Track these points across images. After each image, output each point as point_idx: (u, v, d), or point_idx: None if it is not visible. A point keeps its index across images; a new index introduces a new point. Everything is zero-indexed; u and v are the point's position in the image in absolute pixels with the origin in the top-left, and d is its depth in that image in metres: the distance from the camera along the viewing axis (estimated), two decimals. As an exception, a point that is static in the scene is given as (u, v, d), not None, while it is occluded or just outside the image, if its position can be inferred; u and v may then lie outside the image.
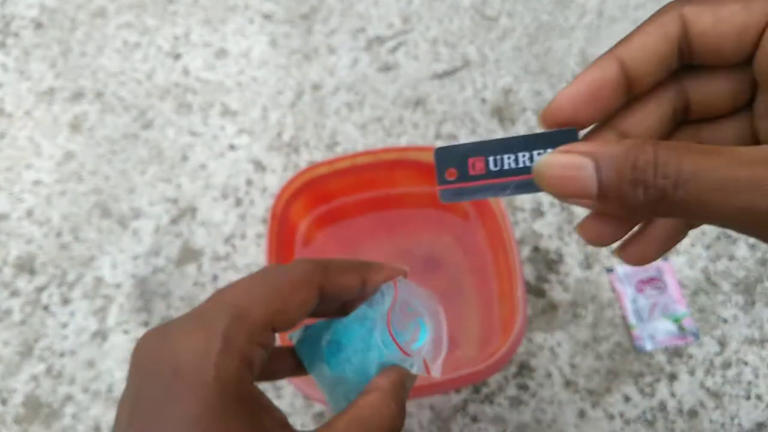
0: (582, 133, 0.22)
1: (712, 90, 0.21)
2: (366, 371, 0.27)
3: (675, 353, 0.48)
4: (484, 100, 0.60)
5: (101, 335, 0.50)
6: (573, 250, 0.52)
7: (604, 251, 0.52)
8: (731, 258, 0.51)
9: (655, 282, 0.51)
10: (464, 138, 0.58)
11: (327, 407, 0.45)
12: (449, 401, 0.46)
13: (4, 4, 0.67)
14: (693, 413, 0.45)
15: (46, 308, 0.51)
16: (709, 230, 0.53)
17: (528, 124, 0.58)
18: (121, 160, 0.58)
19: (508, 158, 0.21)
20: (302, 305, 0.24)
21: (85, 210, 0.55)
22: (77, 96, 0.62)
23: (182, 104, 0.60)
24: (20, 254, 0.54)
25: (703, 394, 0.46)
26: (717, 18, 0.19)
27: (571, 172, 0.19)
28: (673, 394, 0.46)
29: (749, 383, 0.46)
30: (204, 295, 0.51)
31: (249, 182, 0.56)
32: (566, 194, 0.20)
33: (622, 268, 0.51)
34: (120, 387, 0.48)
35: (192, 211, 0.55)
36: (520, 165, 0.21)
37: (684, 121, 0.22)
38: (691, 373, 0.47)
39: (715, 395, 0.46)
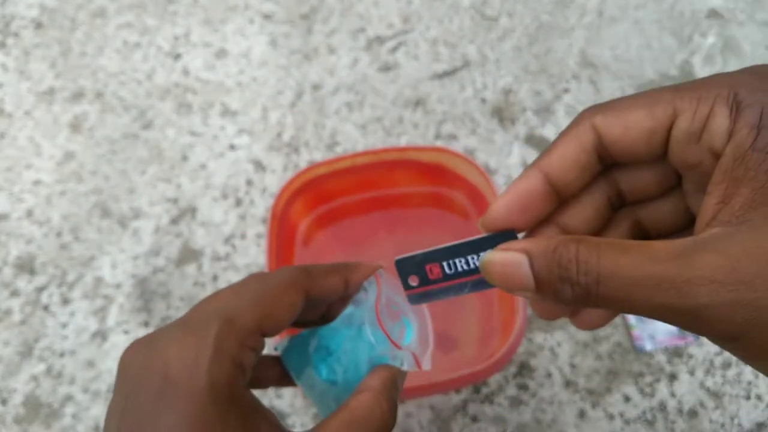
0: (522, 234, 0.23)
1: (639, 180, 0.22)
2: (356, 372, 0.27)
3: (675, 353, 0.48)
4: (484, 100, 0.60)
5: (101, 335, 0.50)
6: (573, 250, 0.52)
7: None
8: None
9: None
10: (464, 138, 0.58)
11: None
12: (449, 401, 0.46)
13: (4, 4, 0.67)
14: (693, 413, 0.45)
15: (46, 308, 0.51)
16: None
17: (528, 124, 0.58)
18: (121, 160, 0.58)
19: (460, 262, 0.23)
20: (289, 308, 0.25)
21: (85, 210, 0.55)
22: (77, 96, 0.62)
23: (182, 104, 0.60)
24: (20, 254, 0.54)
25: (703, 394, 0.46)
26: (625, 126, 0.20)
27: (510, 268, 0.20)
28: (673, 394, 0.46)
29: (749, 383, 0.46)
30: (204, 295, 0.51)
31: (249, 182, 0.56)
32: (510, 288, 0.21)
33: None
34: (120, 387, 0.48)
35: (192, 211, 0.55)
36: (472, 266, 0.23)
37: (623, 204, 0.23)
38: (691, 373, 0.47)
39: (715, 395, 0.46)
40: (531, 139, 0.57)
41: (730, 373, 0.47)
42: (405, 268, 0.24)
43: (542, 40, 0.63)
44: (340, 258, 0.51)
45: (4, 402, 0.48)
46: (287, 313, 0.25)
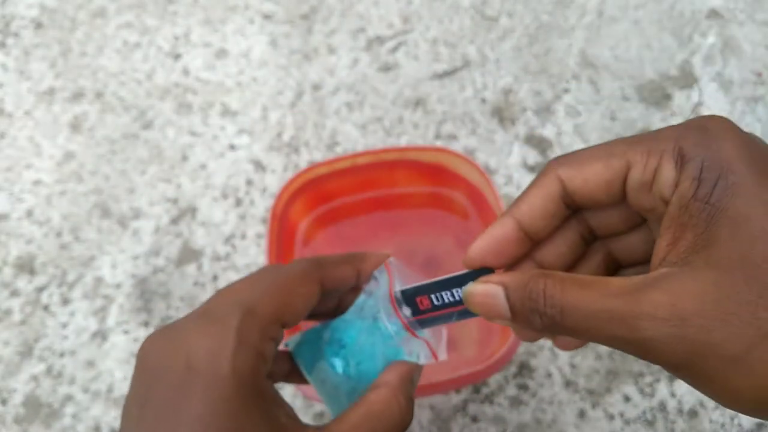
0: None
1: (607, 219, 0.25)
2: (371, 365, 0.27)
3: (675, 353, 0.48)
4: (484, 100, 0.60)
5: (101, 335, 0.50)
6: (573, 250, 0.52)
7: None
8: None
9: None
10: (464, 138, 0.58)
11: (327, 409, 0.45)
12: (449, 401, 0.46)
13: (4, 4, 0.67)
14: (693, 413, 0.45)
15: (46, 308, 0.51)
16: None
17: (528, 124, 0.58)
18: (121, 160, 0.58)
19: (446, 294, 0.26)
20: (306, 299, 0.25)
21: (85, 210, 0.55)
22: (77, 96, 0.62)
23: (182, 104, 0.61)
24: (20, 254, 0.54)
25: (704, 394, 0.46)
26: (585, 177, 0.23)
27: (489, 299, 0.23)
28: (673, 394, 0.46)
29: (749, 383, 0.46)
30: (204, 294, 0.51)
31: (249, 182, 0.56)
32: (490, 316, 0.23)
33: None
34: (120, 387, 0.48)
35: (192, 211, 0.55)
36: (457, 298, 0.25)
37: (596, 238, 0.26)
38: (691, 373, 0.47)
39: (715, 395, 0.46)
40: (531, 139, 0.58)
41: (730, 373, 0.47)
42: (399, 300, 0.27)
43: (542, 40, 0.63)
44: (340, 258, 0.51)
45: (4, 402, 0.48)
46: (304, 304, 0.25)
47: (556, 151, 0.57)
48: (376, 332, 0.27)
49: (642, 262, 0.26)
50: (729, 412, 0.45)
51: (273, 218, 0.47)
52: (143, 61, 0.63)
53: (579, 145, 0.57)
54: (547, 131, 0.58)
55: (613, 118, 0.59)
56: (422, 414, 0.46)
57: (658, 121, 0.58)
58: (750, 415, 0.21)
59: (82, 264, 0.53)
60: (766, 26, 0.63)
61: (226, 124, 0.59)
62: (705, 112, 0.59)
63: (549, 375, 0.47)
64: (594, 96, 0.60)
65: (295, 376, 0.30)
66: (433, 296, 0.26)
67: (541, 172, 0.24)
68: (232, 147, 0.58)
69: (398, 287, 0.27)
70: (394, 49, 0.63)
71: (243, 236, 0.54)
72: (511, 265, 0.25)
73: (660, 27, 0.64)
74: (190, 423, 0.21)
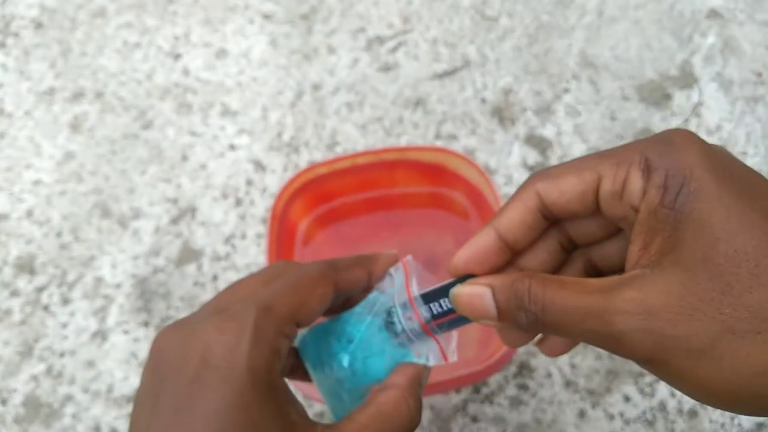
0: None
1: (585, 228, 0.26)
2: (378, 362, 0.28)
3: (675, 353, 0.48)
4: (484, 100, 0.60)
5: (101, 335, 0.50)
6: (573, 250, 0.52)
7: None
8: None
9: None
10: (464, 138, 0.58)
11: (326, 407, 0.45)
12: (449, 401, 0.46)
13: (4, 4, 0.67)
14: (693, 413, 0.45)
15: (46, 308, 0.51)
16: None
17: (528, 124, 0.58)
18: (121, 160, 0.58)
19: (434, 305, 0.27)
20: (321, 300, 0.26)
21: (85, 210, 0.55)
22: (77, 96, 0.62)
23: (182, 104, 0.61)
24: (20, 254, 0.54)
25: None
26: (560, 191, 0.24)
27: (476, 299, 0.24)
28: (673, 394, 0.46)
29: (749, 383, 0.46)
30: (204, 294, 0.51)
31: (249, 182, 0.56)
32: (476, 316, 0.25)
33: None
34: (120, 387, 0.48)
35: (192, 211, 0.55)
36: (445, 308, 0.27)
37: (576, 246, 0.27)
38: (691, 373, 0.47)
39: (715, 395, 0.46)
40: (531, 139, 0.58)
41: (730, 373, 0.47)
42: (418, 300, 0.27)
43: (542, 40, 0.63)
44: (340, 258, 0.51)
45: (4, 402, 0.48)
46: (319, 305, 0.26)
47: (556, 151, 0.57)
48: (385, 330, 0.28)
49: (620, 269, 0.26)
50: (729, 412, 0.45)
51: (273, 218, 0.47)
52: (143, 61, 0.63)
53: (579, 145, 0.57)
54: (547, 131, 0.58)
55: (613, 118, 0.59)
56: (422, 414, 0.46)
57: (658, 121, 0.58)
58: (721, 408, 0.21)
59: (82, 264, 0.53)
60: (766, 26, 0.63)
61: (226, 124, 0.59)
62: (705, 112, 0.59)
63: (549, 375, 0.47)
64: (594, 96, 0.60)
65: (298, 372, 0.30)
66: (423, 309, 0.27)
67: (521, 186, 0.25)
68: (232, 147, 0.58)
69: (416, 287, 0.27)
70: (394, 49, 0.63)
71: (243, 236, 0.54)
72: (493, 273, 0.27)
73: (660, 27, 0.64)
74: (205, 416, 0.22)
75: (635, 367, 0.47)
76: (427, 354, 0.27)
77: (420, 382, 0.27)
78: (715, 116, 0.58)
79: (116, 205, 0.55)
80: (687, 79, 0.61)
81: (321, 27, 0.64)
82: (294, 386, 0.45)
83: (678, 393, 0.46)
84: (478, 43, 0.63)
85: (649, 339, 0.21)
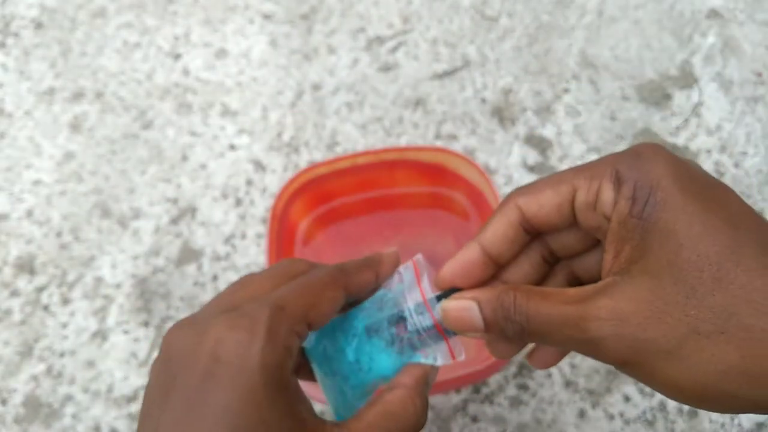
0: None
1: (566, 241, 0.27)
2: (384, 359, 0.28)
3: (675, 353, 0.48)
4: (484, 100, 0.60)
5: (101, 335, 0.50)
6: (573, 250, 0.52)
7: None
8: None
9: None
10: (464, 138, 0.58)
11: (326, 406, 0.45)
12: (449, 401, 0.46)
13: (4, 4, 0.67)
14: (693, 413, 0.45)
15: (46, 308, 0.51)
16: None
17: (528, 124, 0.58)
18: (121, 160, 0.58)
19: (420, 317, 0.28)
20: (333, 302, 0.26)
21: (85, 210, 0.55)
22: (77, 96, 0.62)
23: (182, 104, 0.61)
24: (20, 254, 0.54)
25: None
26: (539, 203, 0.25)
27: (464, 312, 0.25)
28: (673, 394, 0.46)
29: (749, 383, 0.46)
30: (204, 294, 0.51)
31: (249, 182, 0.56)
32: (463, 329, 0.26)
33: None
34: (120, 387, 0.48)
35: (192, 211, 0.55)
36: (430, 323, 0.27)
37: (558, 259, 0.28)
38: (691, 373, 0.47)
39: (715, 395, 0.46)
40: (531, 139, 0.58)
41: (730, 373, 0.47)
42: (432, 300, 0.28)
43: (542, 40, 0.63)
44: (341, 258, 0.51)
45: (4, 402, 0.48)
46: (330, 307, 0.26)
47: (556, 151, 0.57)
48: (394, 327, 0.28)
49: (600, 279, 0.28)
50: (704, 410, 0.45)
51: (273, 218, 0.48)
52: (143, 61, 0.63)
53: (579, 145, 0.57)
54: (547, 131, 0.58)
55: (613, 118, 0.59)
56: (422, 414, 0.46)
57: (658, 121, 0.58)
58: (694, 406, 0.22)
59: (82, 264, 0.53)
60: (766, 26, 0.63)
61: (226, 124, 0.59)
62: (705, 112, 0.59)
63: (549, 375, 0.47)
64: (594, 96, 0.60)
65: (302, 371, 0.30)
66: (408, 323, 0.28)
67: (502, 202, 0.27)
68: (232, 147, 0.58)
69: (428, 286, 0.28)
70: (394, 49, 0.63)
71: (243, 236, 0.54)
72: (478, 286, 0.28)
73: (660, 27, 0.64)
74: (216, 412, 0.22)
75: (635, 367, 0.47)
76: (435, 354, 0.28)
77: (427, 382, 0.27)
78: (715, 116, 0.58)
79: (116, 205, 0.55)
80: (687, 79, 0.61)
81: (321, 27, 0.64)
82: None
83: (678, 393, 0.46)
84: (478, 43, 0.63)
85: (622, 344, 0.22)
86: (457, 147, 0.57)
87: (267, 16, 0.65)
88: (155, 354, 0.49)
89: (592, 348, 0.23)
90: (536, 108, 0.59)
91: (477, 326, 0.25)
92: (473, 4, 0.66)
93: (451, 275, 0.27)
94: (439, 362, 0.28)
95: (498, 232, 0.26)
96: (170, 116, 0.60)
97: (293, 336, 0.24)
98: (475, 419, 0.46)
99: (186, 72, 0.62)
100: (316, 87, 0.61)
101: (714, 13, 0.64)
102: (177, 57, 0.63)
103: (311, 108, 0.60)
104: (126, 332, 0.50)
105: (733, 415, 0.45)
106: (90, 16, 0.66)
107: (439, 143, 0.57)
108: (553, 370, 0.47)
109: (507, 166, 0.56)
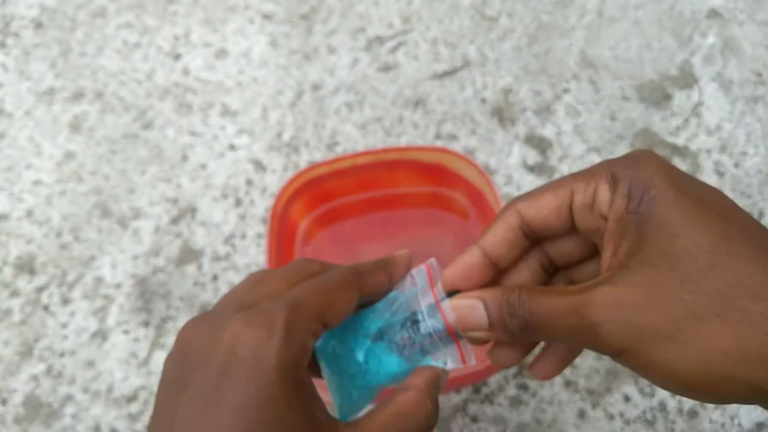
0: None
1: (564, 249, 0.28)
2: (393, 361, 0.28)
3: (675, 353, 0.48)
4: (484, 100, 0.60)
5: (101, 335, 0.50)
6: (573, 250, 0.52)
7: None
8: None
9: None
10: (464, 138, 0.58)
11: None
12: (449, 401, 0.46)
13: (4, 4, 0.67)
14: (693, 413, 0.45)
15: (46, 308, 0.51)
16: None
17: (528, 124, 0.58)
18: (121, 160, 0.58)
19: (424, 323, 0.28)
20: (348, 303, 0.27)
21: (85, 210, 0.55)
22: (77, 96, 0.62)
23: (182, 104, 0.61)
24: (20, 254, 0.54)
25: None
26: (538, 207, 0.26)
27: (468, 310, 0.26)
28: (673, 394, 0.46)
29: (749, 383, 0.46)
30: (204, 294, 0.51)
31: (249, 182, 0.56)
32: (467, 327, 0.26)
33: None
34: (120, 387, 0.48)
35: (192, 211, 0.55)
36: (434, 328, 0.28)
37: (558, 269, 0.29)
38: (691, 373, 0.47)
39: (715, 395, 0.46)
40: (531, 139, 0.58)
41: (730, 373, 0.47)
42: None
43: (542, 40, 0.63)
44: (341, 258, 0.51)
45: (4, 402, 0.48)
46: (345, 308, 0.26)
47: (556, 151, 0.57)
48: (405, 330, 0.28)
49: None
50: (729, 412, 0.45)
51: (273, 218, 0.48)
52: (143, 61, 0.63)
53: (579, 145, 0.57)
54: (547, 131, 0.58)
55: (613, 118, 0.59)
56: (422, 414, 0.46)
57: (658, 121, 0.58)
58: (693, 396, 0.23)
59: (82, 264, 0.53)
60: (766, 26, 0.63)
61: (226, 124, 0.59)
62: (705, 112, 0.59)
63: (549, 375, 0.47)
64: (594, 96, 0.60)
65: (310, 368, 0.30)
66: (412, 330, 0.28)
67: (504, 208, 0.28)
68: (232, 147, 0.58)
69: (441, 290, 0.28)
70: (394, 49, 0.63)
71: (243, 236, 0.54)
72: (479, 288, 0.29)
73: (660, 27, 0.64)
74: (233, 408, 0.22)
75: (635, 367, 0.47)
76: (445, 358, 0.28)
77: (438, 385, 0.28)
78: (715, 116, 0.58)
79: (116, 205, 0.55)
80: (687, 79, 0.61)
81: (321, 27, 0.64)
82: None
83: (678, 393, 0.46)
84: (478, 43, 0.63)
85: (621, 328, 0.23)
86: (457, 147, 0.57)
87: (267, 16, 0.65)
88: (155, 354, 0.49)
89: (590, 335, 0.23)
90: (536, 108, 0.59)
91: (481, 324, 0.26)
92: (473, 4, 0.66)
93: (452, 278, 0.27)
94: (450, 366, 0.28)
95: (498, 235, 0.27)
96: (170, 116, 0.60)
97: (309, 335, 0.24)
98: (475, 419, 0.46)
99: (186, 72, 0.62)
100: (316, 87, 0.61)
101: (714, 13, 0.64)
102: (177, 57, 0.63)
103: (311, 108, 0.60)
104: (126, 332, 0.50)
105: (734, 414, 0.45)
106: (90, 16, 0.66)
107: (439, 143, 0.57)
108: (553, 370, 0.47)
109: (507, 166, 0.56)
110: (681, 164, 0.56)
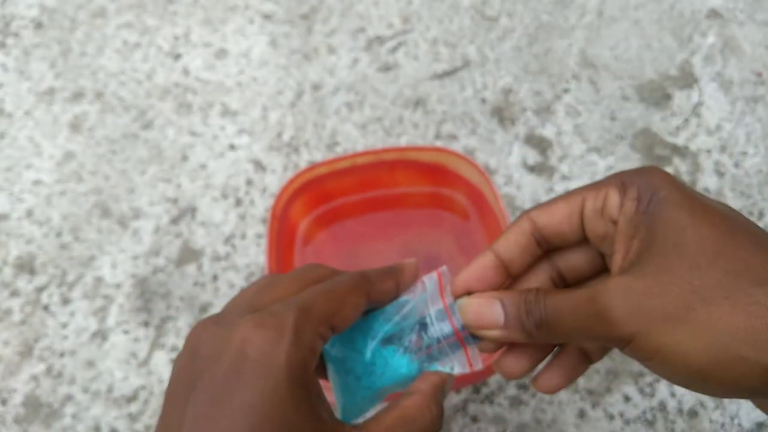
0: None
1: (574, 261, 0.29)
2: (401, 364, 0.28)
3: (675, 353, 0.48)
4: (484, 100, 0.60)
5: (101, 335, 0.50)
6: (573, 250, 0.52)
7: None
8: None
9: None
10: (464, 138, 0.58)
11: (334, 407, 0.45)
12: (449, 401, 0.46)
13: (4, 4, 0.67)
14: (693, 413, 0.45)
15: (46, 308, 0.51)
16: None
17: (528, 124, 0.58)
18: (121, 160, 0.58)
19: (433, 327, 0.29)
20: (355, 308, 0.27)
21: (85, 210, 0.55)
22: (77, 96, 0.62)
23: (182, 104, 0.61)
24: (20, 254, 0.54)
25: (704, 394, 0.46)
26: (550, 214, 0.28)
27: (485, 307, 0.27)
28: (673, 394, 0.46)
29: (749, 383, 0.46)
30: (204, 295, 0.51)
31: (249, 182, 0.56)
32: (482, 324, 0.27)
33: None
34: (120, 387, 0.48)
35: (192, 211, 0.55)
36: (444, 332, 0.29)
37: (567, 285, 0.30)
38: (691, 373, 0.47)
39: (715, 395, 0.46)
40: (531, 139, 0.58)
41: (730, 373, 0.47)
42: (453, 309, 0.29)
43: (542, 40, 0.63)
44: (340, 258, 0.51)
45: (4, 402, 0.48)
46: (353, 312, 0.27)
47: (556, 151, 0.57)
48: (414, 334, 0.28)
49: None
50: (729, 412, 0.45)
51: (273, 218, 0.48)
52: (143, 61, 0.63)
53: (579, 145, 0.57)
54: (547, 131, 0.58)
55: (613, 118, 0.59)
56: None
57: (658, 121, 0.58)
58: (700, 384, 0.23)
59: (82, 264, 0.53)
60: (766, 26, 0.63)
61: (226, 124, 0.59)
62: (705, 112, 0.59)
63: (549, 375, 0.47)
64: (594, 96, 0.60)
65: (318, 373, 0.30)
66: (424, 333, 0.29)
67: (517, 217, 0.29)
68: (232, 147, 0.58)
69: (450, 297, 0.29)
70: (394, 49, 0.63)
71: (243, 236, 0.54)
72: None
73: (660, 27, 0.64)
74: (241, 409, 0.22)
75: (635, 368, 0.47)
76: (452, 363, 0.28)
77: (443, 390, 0.28)
78: (715, 116, 0.58)
79: (116, 205, 0.55)
80: (687, 79, 0.61)
81: (321, 27, 0.64)
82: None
83: (678, 393, 0.46)
84: (478, 43, 0.63)
85: (632, 312, 0.23)
86: (457, 147, 0.57)
87: (267, 16, 0.65)
88: (155, 354, 0.49)
89: (602, 321, 0.24)
90: (536, 108, 0.59)
91: (497, 321, 0.27)
92: (473, 4, 0.66)
93: (466, 279, 0.28)
94: (457, 371, 0.28)
95: (510, 239, 0.28)
96: (170, 116, 0.60)
97: (318, 338, 0.25)
98: (475, 419, 0.46)
99: (186, 72, 0.62)
100: (316, 87, 0.61)
101: (714, 13, 0.64)
102: (177, 57, 0.63)
103: (311, 108, 0.60)
104: (126, 332, 0.50)
105: (733, 414, 0.45)
106: (90, 16, 0.66)
107: (439, 143, 0.57)
108: (553, 370, 0.47)
109: (507, 166, 0.56)
110: (681, 164, 0.56)
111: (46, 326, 0.50)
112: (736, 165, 0.56)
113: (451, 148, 0.52)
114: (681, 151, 0.57)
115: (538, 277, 0.29)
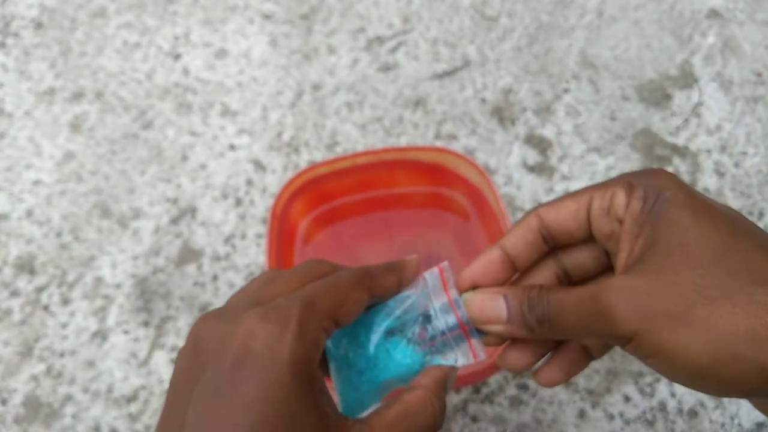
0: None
1: (580, 259, 0.30)
2: (404, 357, 0.28)
3: (675, 353, 0.48)
4: (484, 100, 0.60)
5: (101, 335, 0.50)
6: (573, 250, 0.52)
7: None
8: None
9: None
10: (464, 138, 0.58)
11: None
12: (449, 401, 0.46)
13: (4, 4, 0.67)
14: (693, 413, 0.45)
15: (46, 308, 0.51)
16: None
17: (528, 124, 0.58)
18: (121, 160, 0.58)
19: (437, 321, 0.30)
20: (358, 303, 0.27)
21: (85, 210, 0.55)
22: (77, 96, 0.62)
23: (182, 104, 0.61)
24: (20, 254, 0.54)
25: (703, 394, 0.46)
26: (558, 210, 0.28)
27: (489, 302, 0.27)
28: (673, 394, 0.46)
29: (749, 383, 0.46)
30: (204, 295, 0.51)
31: (249, 182, 0.56)
32: (485, 319, 0.27)
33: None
34: (120, 387, 0.48)
35: (192, 211, 0.55)
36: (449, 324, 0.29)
37: (572, 283, 0.30)
38: (691, 373, 0.47)
39: (715, 395, 0.46)
40: (531, 139, 0.58)
41: (730, 373, 0.47)
42: (457, 303, 0.29)
43: (542, 40, 0.63)
44: (340, 258, 0.51)
45: (4, 402, 0.48)
46: (356, 307, 0.27)
47: (556, 151, 0.57)
48: (417, 327, 0.29)
49: None
50: (729, 412, 0.45)
51: (273, 218, 0.48)
52: (143, 61, 0.63)
53: (579, 145, 0.57)
54: (547, 131, 0.58)
55: (613, 118, 0.59)
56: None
57: (658, 121, 0.58)
58: (699, 383, 0.23)
59: (82, 264, 0.53)
60: (766, 26, 0.63)
61: (226, 124, 0.59)
62: (705, 112, 0.59)
63: (549, 375, 0.47)
64: (594, 96, 0.60)
65: (320, 368, 0.30)
66: (429, 326, 0.29)
67: (525, 214, 0.29)
68: (232, 147, 0.58)
69: (454, 290, 0.29)
70: (394, 49, 0.63)
71: (243, 236, 0.54)
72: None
73: (660, 27, 0.64)
74: (244, 401, 0.22)
75: (635, 367, 0.47)
76: (456, 355, 0.29)
77: (446, 385, 0.28)
78: (715, 116, 0.58)
79: (116, 205, 0.55)
80: (687, 79, 0.61)
81: (321, 27, 0.64)
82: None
83: (678, 393, 0.46)
84: (478, 43, 0.63)
85: (634, 310, 0.23)
86: (457, 147, 0.57)
87: (267, 16, 0.65)
88: (155, 354, 0.49)
89: (604, 319, 0.24)
90: (536, 108, 0.59)
91: (500, 316, 0.27)
92: (473, 4, 0.66)
93: (473, 273, 0.29)
94: (460, 363, 0.29)
95: (517, 234, 0.29)
96: (170, 116, 0.60)
97: (321, 332, 0.25)
98: (475, 419, 0.46)
99: (186, 72, 0.62)
100: (316, 87, 0.61)
101: (714, 13, 0.64)
102: (177, 57, 0.63)
103: (311, 108, 0.60)
104: (126, 332, 0.50)
105: (733, 414, 0.45)
106: (90, 16, 0.66)
107: (439, 143, 0.57)
108: (553, 370, 0.47)
109: (507, 166, 0.56)
110: (681, 164, 0.56)
111: (46, 326, 0.50)
112: (736, 165, 0.56)
113: (451, 148, 0.52)
114: (681, 151, 0.57)
115: (544, 275, 0.30)
